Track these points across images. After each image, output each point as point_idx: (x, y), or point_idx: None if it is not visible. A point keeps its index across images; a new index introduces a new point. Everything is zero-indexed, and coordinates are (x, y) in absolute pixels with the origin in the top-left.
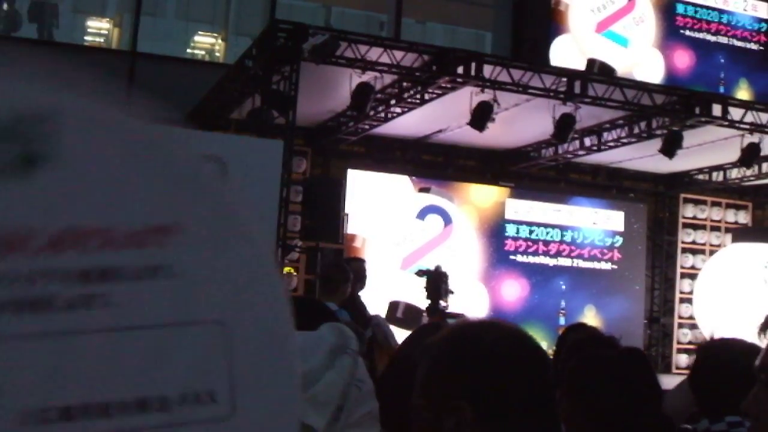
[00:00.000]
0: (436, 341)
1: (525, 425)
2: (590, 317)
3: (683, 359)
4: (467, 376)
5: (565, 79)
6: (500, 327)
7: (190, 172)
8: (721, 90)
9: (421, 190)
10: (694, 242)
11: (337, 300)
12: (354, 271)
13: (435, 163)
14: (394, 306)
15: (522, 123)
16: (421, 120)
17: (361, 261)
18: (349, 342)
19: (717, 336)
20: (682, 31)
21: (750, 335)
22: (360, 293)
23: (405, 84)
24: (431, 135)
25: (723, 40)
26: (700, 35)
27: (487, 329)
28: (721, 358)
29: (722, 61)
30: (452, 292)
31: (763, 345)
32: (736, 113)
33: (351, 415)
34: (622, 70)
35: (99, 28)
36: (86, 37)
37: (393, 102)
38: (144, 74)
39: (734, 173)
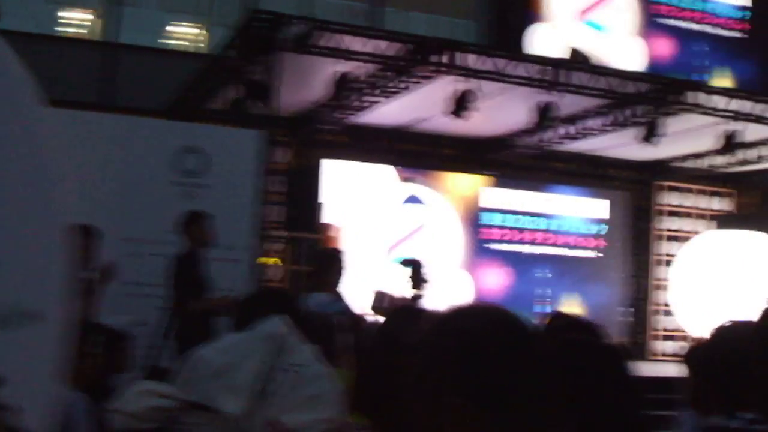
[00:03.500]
0: (420, 339)
1: (528, 412)
2: (574, 305)
3: (669, 346)
4: (458, 371)
5: (546, 68)
6: (483, 313)
7: None
8: (704, 78)
9: (404, 179)
10: (677, 230)
11: (329, 290)
12: None
13: (417, 153)
14: (380, 296)
15: (503, 111)
16: (402, 109)
17: (339, 251)
18: (277, 329)
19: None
20: (663, 20)
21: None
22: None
23: (386, 73)
24: (412, 124)
25: (705, 28)
26: (682, 23)
27: (471, 318)
28: (739, 346)
29: (704, 48)
30: (427, 281)
31: None
32: (718, 101)
33: (286, 398)
34: (602, 58)
35: (80, 20)
36: (68, 29)
37: (374, 91)
38: (125, 65)
39: (717, 160)
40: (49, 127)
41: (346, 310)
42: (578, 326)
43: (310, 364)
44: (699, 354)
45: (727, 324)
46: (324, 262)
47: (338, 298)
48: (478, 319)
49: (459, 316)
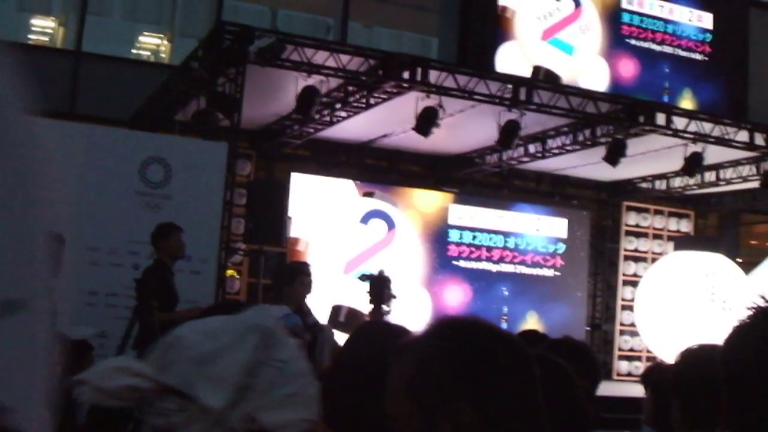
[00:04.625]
0: (420, 342)
1: (524, 427)
2: (532, 323)
3: (624, 366)
4: (467, 376)
5: (510, 86)
6: (487, 325)
7: None
8: (665, 99)
9: (365, 194)
10: (636, 250)
11: (289, 304)
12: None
13: (379, 168)
14: (336, 310)
15: (467, 129)
16: (367, 124)
17: (306, 265)
18: (264, 321)
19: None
20: (627, 40)
21: (689, 341)
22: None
23: (351, 88)
24: (376, 139)
25: (668, 49)
26: (646, 44)
27: (478, 327)
28: (710, 366)
29: (667, 70)
30: (395, 297)
31: None
32: (679, 122)
33: (265, 395)
34: (567, 77)
35: (44, 27)
36: (30, 36)
37: (338, 106)
38: (89, 74)
39: (677, 182)
40: (35, 136)
41: (310, 325)
42: (560, 345)
43: (294, 361)
44: (664, 375)
45: (694, 346)
46: (284, 275)
47: (301, 311)
48: (484, 329)
49: (463, 325)
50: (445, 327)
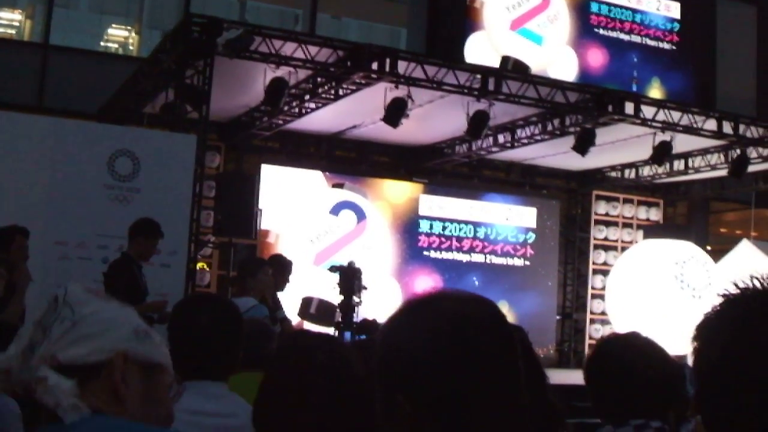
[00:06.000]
0: (381, 331)
1: (475, 418)
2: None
3: None
4: (399, 369)
5: (479, 76)
6: (447, 307)
7: None
8: (634, 88)
9: (335, 185)
10: (606, 239)
11: (254, 295)
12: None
13: (349, 159)
14: (307, 302)
15: (436, 119)
16: (336, 115)
17: (287, 262)
18: (59, 290)
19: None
20: (596, 30)
21: (659, 329)
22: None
23: (319, 79)
24: (345, 130)
25: (636, 39)
26: (614, 34)
27: (429, 313)
28: (621, 358)
29: (635, 59)
30: (365, 288)
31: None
32: (648, 111)
33: (60, 341)
34: (536, 67)
35: (10, 20)
36: None
37: (307, 97)
38: (56, 67)
39: (646, 171)
40: None
41: (279, 318)
42: None
43: (95, 314)
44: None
45: (610, 336)
46: (248, 267)
47: (266, 303)
48: (435, 315)
49: (411, 311)
50: (392, 318)
